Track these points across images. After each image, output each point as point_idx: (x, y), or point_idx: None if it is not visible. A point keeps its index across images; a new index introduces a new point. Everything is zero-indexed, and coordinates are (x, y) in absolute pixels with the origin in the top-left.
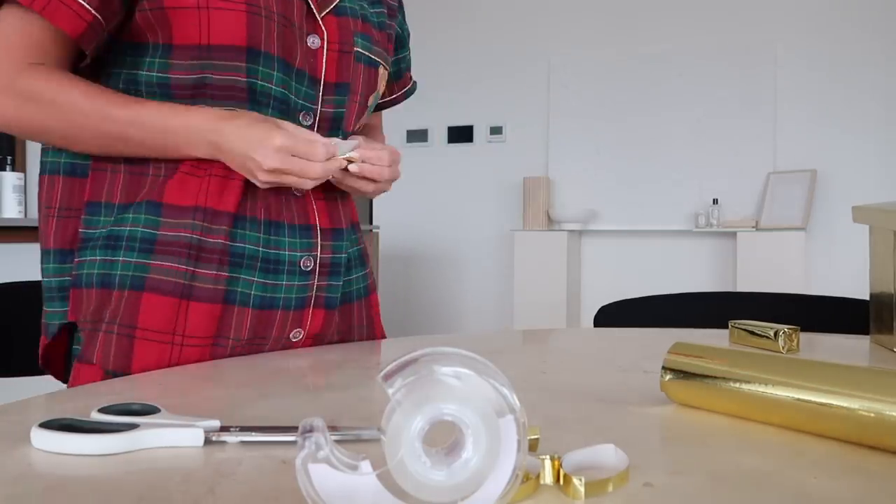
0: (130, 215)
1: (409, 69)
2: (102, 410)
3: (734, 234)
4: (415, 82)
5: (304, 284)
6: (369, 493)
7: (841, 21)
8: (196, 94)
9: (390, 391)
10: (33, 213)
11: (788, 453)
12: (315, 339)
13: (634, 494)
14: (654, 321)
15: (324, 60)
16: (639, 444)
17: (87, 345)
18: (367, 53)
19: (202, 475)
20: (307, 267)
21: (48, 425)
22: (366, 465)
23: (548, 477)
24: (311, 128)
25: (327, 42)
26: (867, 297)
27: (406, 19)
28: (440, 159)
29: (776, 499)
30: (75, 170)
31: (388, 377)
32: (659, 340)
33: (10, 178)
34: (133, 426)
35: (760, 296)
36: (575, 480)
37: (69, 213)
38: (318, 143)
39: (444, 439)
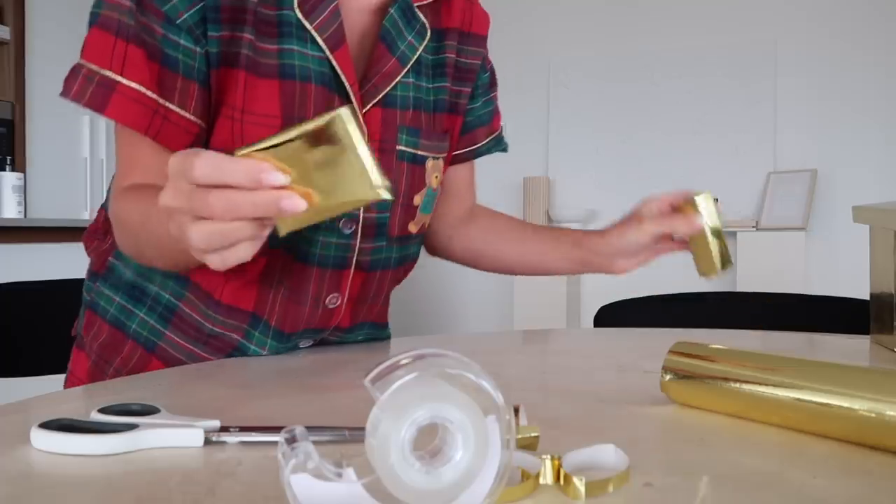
0: (159, 276)
1: (482, 125)
2: (102, 410)
3: (734, 234)
4: (497, 140)
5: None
6: (355, 501)
7: (841, 21)
8: None
9: (377, 395)
10: (33, 213)
11: (788, 453)
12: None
13: (634, 494)
14: (654, 321)
15: None
16: (639, 444)
17: (86, 367)
18: (410, 150)
19: (202, 475)
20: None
21: (48, 425)
22: (350, 473)
23: (548, 477)
24: (353, 235)
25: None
26: (867, 297)
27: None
28: None
29: (776, 499)
30: None
31: (374, 381)
32: (659, 340)
33: (10, 178)
34: (133, 426)
35: (760, 296)
36: (575, 480)
37: (108, 239)
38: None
39: (427, 441)
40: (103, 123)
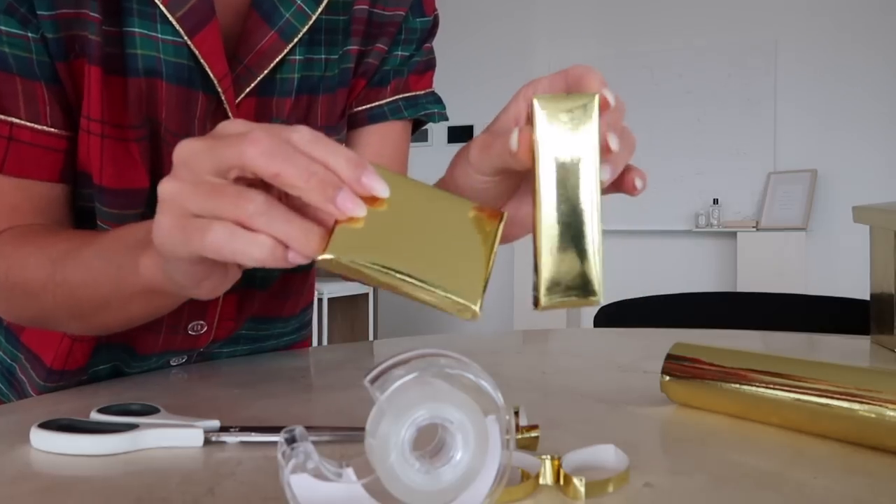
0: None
1: (403, 75)
2: (102, 411)
3: (734, 234)
4: (421, 101)
5: (188, 349)
6: (355, 501)
7: (841, 21)
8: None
9: (377, 395)
10: None
11: (788, 453)
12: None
13: (634, 494)
14: (654, 321)
15: None
16: (639, 444)
17: None
18: None
19: (202, 475)
20: (195, 332)
21: (48, 425)
22: (349, 473)
23: (548, 477)
24: None
25: None
26: (867, 297)
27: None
28: (440, 159)
29: (776, 499)
30: None
31: (374, 380)
32: (659, 340)
33: None
34: (132, 426)
35: (761, 296)
36: (575, 481)
37: None
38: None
39: (427, 441)
40: None
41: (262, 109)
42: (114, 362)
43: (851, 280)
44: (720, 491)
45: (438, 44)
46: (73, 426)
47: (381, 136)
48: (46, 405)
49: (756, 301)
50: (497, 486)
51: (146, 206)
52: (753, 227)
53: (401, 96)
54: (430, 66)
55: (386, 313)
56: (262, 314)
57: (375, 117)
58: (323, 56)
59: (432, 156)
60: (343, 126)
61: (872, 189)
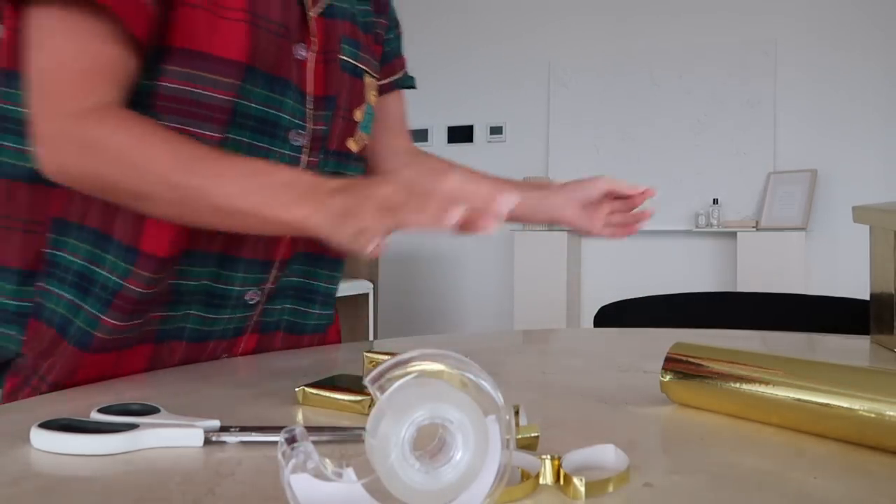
0: (110, 257)
1: (397, 56)
2: (102, 410)
3: (734, 234)
4: (409, 76)
5: (244, 316)
6: (355, 501)
7: (841, 21)
8: (168, 112)
9: (377, 395)
10: None
11: (788, 453)
12: None
13: (634, 494)
14: (654, 321)
15: (310, 72)
16: (639, 444)
17: (20, 378)
18: (351, 61)
19: (202, 475)
20: (252, 301)
21: (48, 425)
22: (350, 473)
23: (548, 477)
24: (303, 148)
25: (314, 51)
26: (867, 297)
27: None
28: None
29: (776, 499)
30: (40, 176)
31: (374, 380)
32: (659, 340)
33: None
34: (133, 426)
35: (760, 296)
36: (575, 480)
37: (34, 228)
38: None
39: (427, 441)
40: None
41: (328, 27)
42: (210, 267)
43: (851, 280)
44: (720, 491)
45: (439, 44)
46: (74, 426)
47: (398, 102)
48: (47, 405)
49: (756, 301)
50: (497, 485)
51: (241, 80)
52: (753, 227)
53: (403, 72)
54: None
55: (386, 313)
56: (312, 250)
57: (390, 87)
58: (357, 4)
59: None
60: (377, 60)
61: (872, 189)
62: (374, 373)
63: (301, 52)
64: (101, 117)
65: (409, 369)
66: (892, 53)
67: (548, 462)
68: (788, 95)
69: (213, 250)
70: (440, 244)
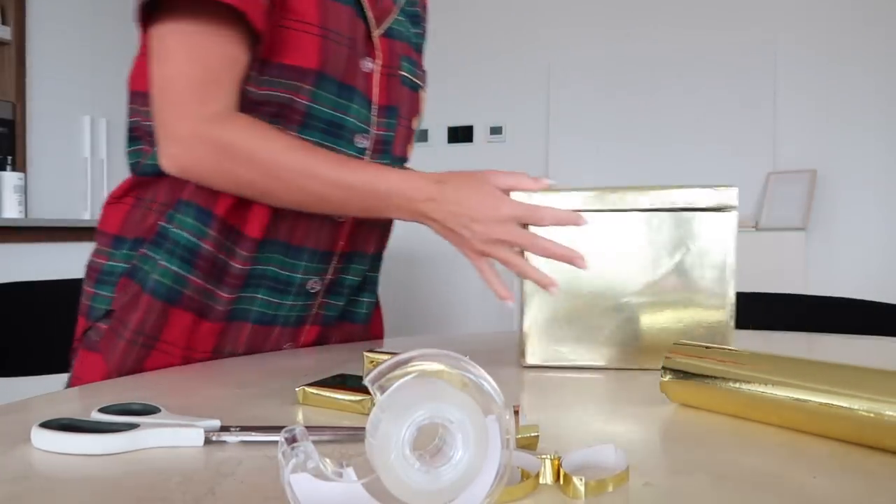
0: (213, 232)
1: (423, 53)
2: (102, 410)
3: None
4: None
5: (306, 304)
6: (355, 501)
7: (841, 21)
8: (253, 113)
9: (377, 395)
10: (34, 213)
11: (788, 453)
12: None
13: (634, 494)
14: None
15: (376, 83)
16: (639, 444)
17: (106, 344)
18: (410, 77)
19: (202, 475)
20: (313, 289)
21: (48, 425)
22: (350, 473)
23: (548, 477)
24: (365, 150)
25: (379, 65)
26: (867, 298)
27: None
28: (440, 159)
29: (776, 499)
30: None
31: (374, 381)
32: None
33: (11, 178)
34: (133, 426)
35: (760, 296)
36: (575, 480)
37: (163, 209)
38: (544, 209)
39: (427, 441)
40: (104, 123)
41: (391, 46)
42: (277, 254)
43: (851, 280)
44: (720, 491)
45: (439, 44)
46: (74, 426)
47: (423, 99)
48: (47, 405)
49: (756, 301)
50: (497, 485)
51: (312, 84)
52: (753, 226)
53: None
54: None
55: (386, 313)
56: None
57: (419, 87)
58: (411, 28)
59: (432, 156)
60: (426, 78)
61: (872, 189)
62: (374, 373)
63: (368, 64)
64: (228, 121)
65: (409, 369)
66: (892, 54)
67: (548, 462)
68: (788, 95)
69: (281, 239)
70: (441, 244)
